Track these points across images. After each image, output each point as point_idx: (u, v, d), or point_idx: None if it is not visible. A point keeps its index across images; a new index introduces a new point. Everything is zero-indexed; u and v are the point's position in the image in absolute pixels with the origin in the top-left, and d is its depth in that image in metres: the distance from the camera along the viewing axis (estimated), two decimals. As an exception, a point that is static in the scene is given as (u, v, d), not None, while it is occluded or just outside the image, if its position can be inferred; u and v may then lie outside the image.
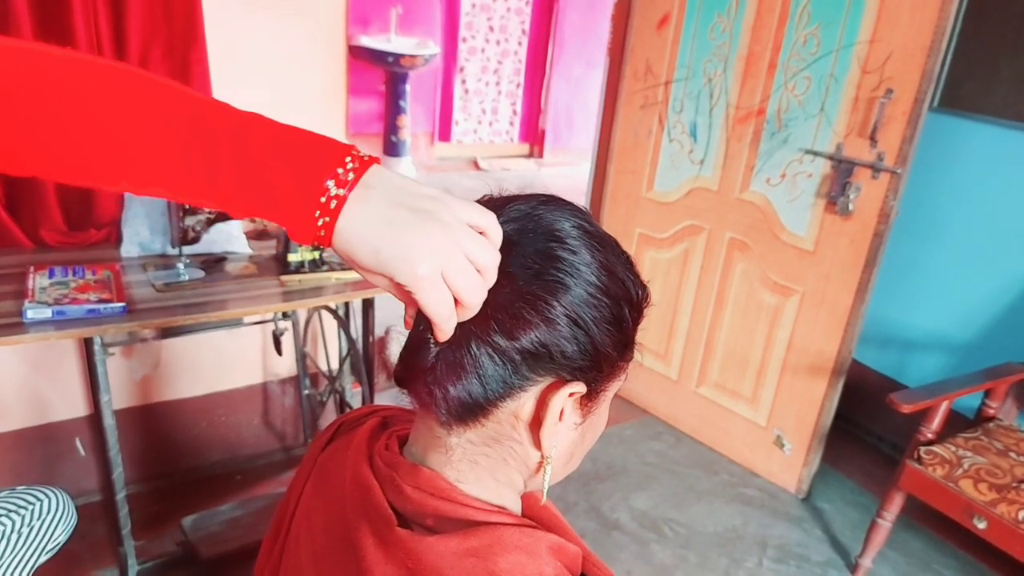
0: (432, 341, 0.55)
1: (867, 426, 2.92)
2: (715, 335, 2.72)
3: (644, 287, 0.61)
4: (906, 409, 1.96)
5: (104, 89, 0.50)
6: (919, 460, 2.04)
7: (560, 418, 0.57)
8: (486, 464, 0.59)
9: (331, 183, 0.49)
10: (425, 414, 0.60)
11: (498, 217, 0.55)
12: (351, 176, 0.50)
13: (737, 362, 2.68)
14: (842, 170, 2.24)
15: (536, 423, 0.57)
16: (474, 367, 0.54)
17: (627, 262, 0.60)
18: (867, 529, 2.20)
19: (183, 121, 0.50)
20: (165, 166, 0.50)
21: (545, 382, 0.56)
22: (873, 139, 2.15)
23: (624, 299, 0.58)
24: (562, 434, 0.59)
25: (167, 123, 0.49)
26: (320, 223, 0.49)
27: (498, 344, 0.54)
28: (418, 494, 0.58)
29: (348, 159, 0.50)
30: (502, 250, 0.54)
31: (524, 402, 0.57)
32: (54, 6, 1.75)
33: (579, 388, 0.56)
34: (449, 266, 0.50)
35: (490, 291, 0.53)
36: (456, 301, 0.52)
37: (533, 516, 0.65)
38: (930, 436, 2.08)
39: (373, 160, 0.52)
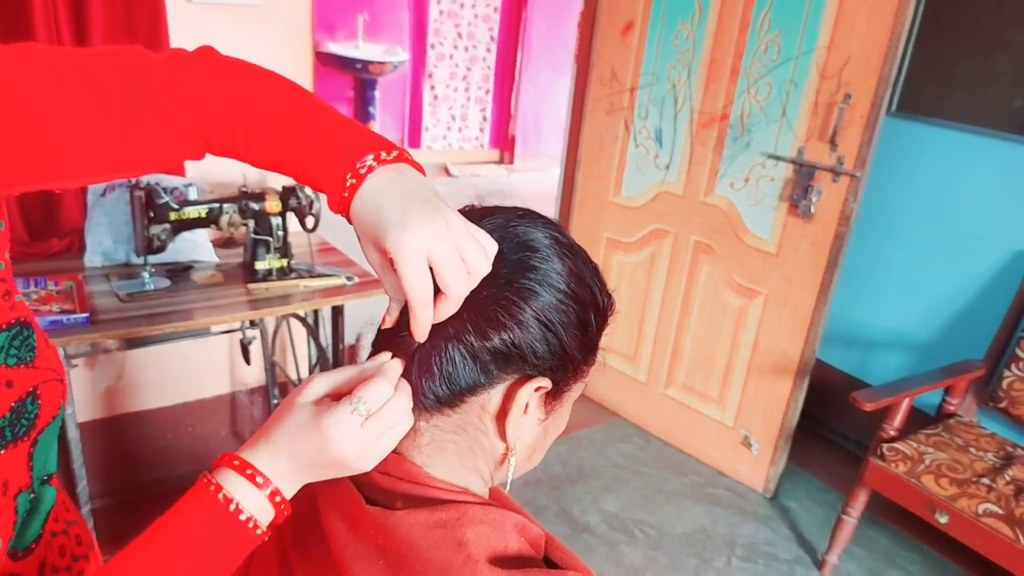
0: (408, 337, 0.57)
1: (832, 425, 2.97)
2: (682, 337, 2.76)
3: (609, 295, 0.64)
4: (868, 407, 2.00)
5: (281, 91, 0.66)
6: (882, 457, 2.08)
7: (525, 411, 0.60)
8: (453, 450, 0.62)
9: (370, 157, 0.58)
10: None
11: None
12: (387, 157, 0.58)
13: (704, 364, 2.71)
14: (803, 174, 2.28)
15: (502, 415, 0.60)
16: (448, 364, 0.57)
17: (595, 271, 0.63)
18: (833, 526, 2.24)
19: (313, 107, 0.65)
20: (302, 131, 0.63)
21: (512, 378, 0.59)
22: (833, 143, 2.20)
23: (591, 305, 0.61)
24: (526, 427, 0.62)
25: (307, 106, 0.64)
26: (348, 183, 0.57)
27: (471, 343, 0.57)
28: (386, 479, 0.61)
29: (395, 152, 0.59)
30: None
31: (492, 396, 0.60)
32: (16, 10, 1.73)
33: (545, 383, 0.60)
34: (439, 252, 0.54)
35: (467, 296, 0.56)
36: (437, 295, 0.55)
37: (499, 504, 0.67)
38: (892, 433, 2.12)
39: (417, 164, 0.60)
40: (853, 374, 2.87)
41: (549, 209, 3.22)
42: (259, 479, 0.56)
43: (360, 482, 0.61)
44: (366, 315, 3.01)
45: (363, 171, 0.57)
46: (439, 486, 0.60)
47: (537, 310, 0.57)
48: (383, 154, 0.58)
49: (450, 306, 0.56)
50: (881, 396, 2.05)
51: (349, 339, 2.91)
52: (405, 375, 0.59)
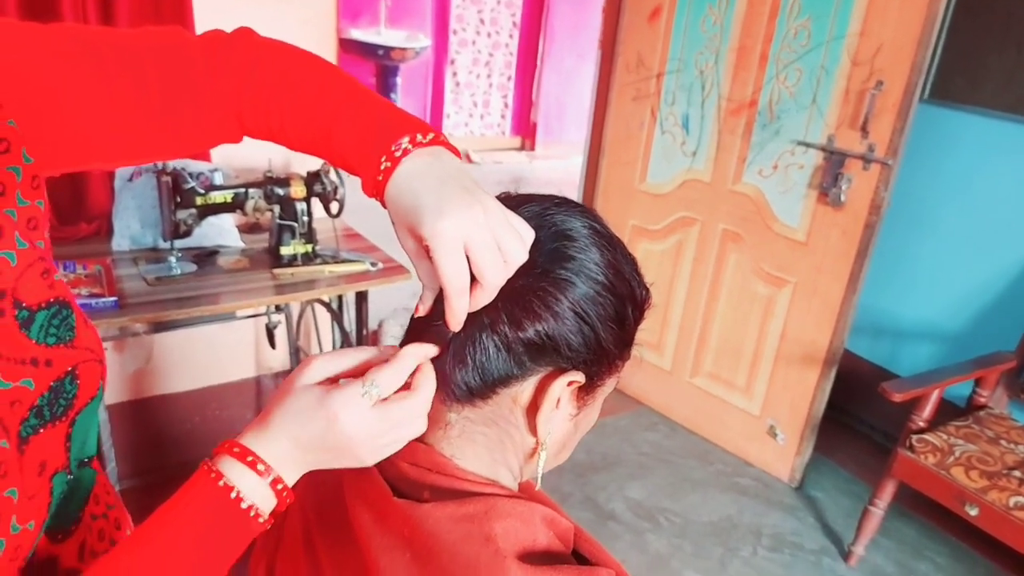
0: (442, 326, 0.56)
1: (860, 415, 2.93)
2: (709, 326, 2.73)
3: (647, 289, 0.63)
4: (897, 398, 1.98)
5: (319, 73, 0.65)
6: (911, 448, 2.05)
7: (557, 406, 0.59)
8: (484, 442, 0.61)
9: (405, 139, 0.56)
10: None
11: None
12: (423, 140, 0.57)
13: (731, 352, 2.69)
14: (834, 161, 2.24)
15: (533, 408, 0.59)
16: (481, 354, 0.56)
17: (633, 263, 0.62)
18: (860, 517, 2.21)
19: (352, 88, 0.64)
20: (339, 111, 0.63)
21: (545, 371, 0.58)
22: (864, 130, 2.16)
23: (628, 298, 0.60)
24: (557, 422, 0.60)
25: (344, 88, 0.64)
26: (383, 166, 0.56)
27: (505, 333, 0.55)
28: (414, 470, 0.60)
29: (430, 134, 0.57)
30: None
31: (524, 388, 0.58)
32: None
33: (579, 377, 0.58)
34: (476, 238, 0.52)
35: (503, 286, 0.55)
36: (472, 283, 0.53)
37: (528, 497, 0.66)
38: (922, 424, 2.09)
39: (453, 148, 0.59)
40: (882, 364, 2.84)
41: (572, 196, 3.20)
42: (260, 466, 0.55)
43: (388, 472, 0.60)
44: (390, 301, 3.01)
45: (398, 154, 0.55)
46: (468, 478, 0.59)
47: (573, 301, 0.56)
48: (419, 136, 0.57)
49: (486, 295, 0.54)
50: (910, 387, 2.02)
51: (372, 324, 2.92)
52: (438, 363, 0.58)
